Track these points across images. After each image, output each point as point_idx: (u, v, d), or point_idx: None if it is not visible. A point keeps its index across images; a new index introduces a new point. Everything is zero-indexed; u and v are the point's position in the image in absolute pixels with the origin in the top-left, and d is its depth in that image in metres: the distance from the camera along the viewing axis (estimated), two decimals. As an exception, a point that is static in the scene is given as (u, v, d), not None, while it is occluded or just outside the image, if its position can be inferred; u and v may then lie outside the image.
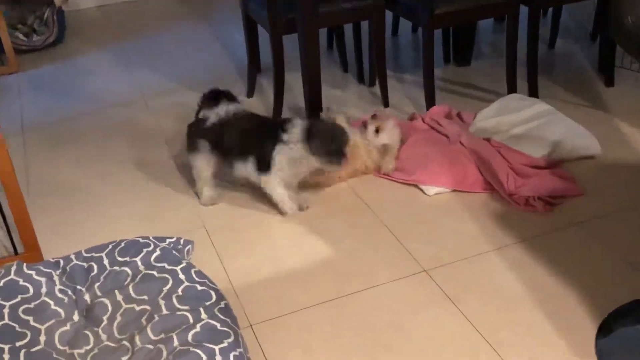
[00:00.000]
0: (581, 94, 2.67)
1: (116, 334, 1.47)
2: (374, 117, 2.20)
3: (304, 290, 1.72)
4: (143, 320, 1.49)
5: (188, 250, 1.84)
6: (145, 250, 1.70)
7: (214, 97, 2.06)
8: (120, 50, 3.47)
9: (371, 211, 2.04)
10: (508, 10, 2.49)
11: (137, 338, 1.43)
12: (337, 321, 1.61)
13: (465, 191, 2.09)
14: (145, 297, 1.54)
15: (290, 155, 1.93)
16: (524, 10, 2.52)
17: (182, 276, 1.61)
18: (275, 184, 1.99)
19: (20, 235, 1.78)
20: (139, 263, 1.66)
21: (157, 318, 1.47)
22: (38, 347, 1.42)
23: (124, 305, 1.53)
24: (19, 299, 1.53)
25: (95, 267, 1.67)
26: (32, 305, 1.51)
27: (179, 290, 1.55)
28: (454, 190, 2.10)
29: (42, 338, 1.44)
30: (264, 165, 1.97)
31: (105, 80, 3.14)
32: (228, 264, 1.85)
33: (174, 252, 1.74)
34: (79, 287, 1.62)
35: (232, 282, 1.77)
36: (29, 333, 1.44)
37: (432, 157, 2.19)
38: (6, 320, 1.46)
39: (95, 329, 1.50)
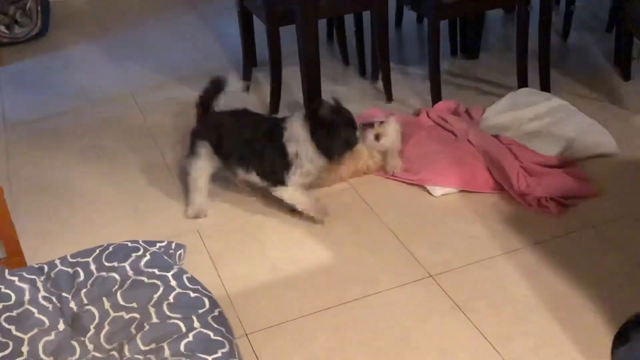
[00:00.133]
0: (596, 89, 2.67)
1: (104, 344, 1.47)
2: (370, 126, 2.17)
3: (302, 297, 1.72)
4: (132, 329, 1.49)
5: (180, 255, 1.84)
6: (134, 255, 1.70)
7: (215, 89, 2.05)
8: (108, 43, 3.47)
9: (374, 213, 2.04)
10: (519, -1, 2.50)
11: (126, 348, 1.43)
12: (338, 330, 1.61)
13: (474, 192, 2.09)
14: (135, 304, 1.54)
15: (304, 169, 1.92)
16: (535, -1, 2.53)
17: (173, 282, 1.61)
18: (296, 194, 1.97)
19: (1, 240, 1.77)
20: (128, 268, 1.66)
21: (147, 327, 1.46)
22: (21, 358, 1.42)
23: (112, 313, 1.52)
24: (0, 307, 1.53)
25: (81, 272, 1.67)
26: (14, 314, 1.51)
27: (171, 298, 1.55)
28: (462, 191, 2.10)
29: (25, 348, 1.44)
30: (277, 181, 1.95)
31: (92, 75, 3.14)
32: (222, 269, 1.84)
33: (164, 257, 1.74)
34: (64, 294, 1.62)
35: (226, 288, 1.77)
36: (11, 343, 1.44)
37: (438, 155, 2.19)
38: (-13, 330, 1.46)
39: (82, 338, 1.49)
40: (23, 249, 1.84)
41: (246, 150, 1.96)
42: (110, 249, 1.74)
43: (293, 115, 1.97)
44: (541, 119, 2.36)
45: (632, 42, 2.67)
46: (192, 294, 1.58)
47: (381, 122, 2.17)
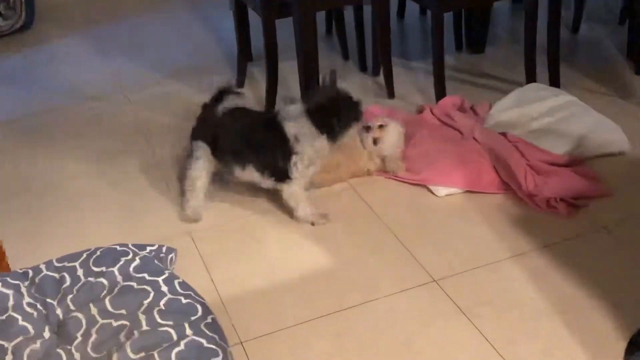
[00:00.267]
0: (608, 84, 2.67)
1: (91, 353, 1.47)
2: (367, 128, 2.16)
3: (300, 303, 1.72)
4: (121, 337, 1.48)
5: (171, 259, 1.84)
6: (123, 259, 1.70)
7: (220, 96, 2.06)
8: (96, 36, 3.47)
9: (375, 214, 2.04)
10: (526, -10, 2.50)
11: (114, 357, 1.42)
12: (337, 337, 1.61)
13: (479, 192, 2.09)
14: (124, 311, 1.54)
15: (307, 155, 1.92)
16: (544, -10, 2.52)
17: (164, 288, 1.61)
18: (301, 195, 1.97)
19: (-16, 243, 1.77)
20: (117, 273, 1.66)
21: (136, 334, 1.46)
22: (4, 368, 1.42)
23: (100, 321, 1.52)
24: (-17, 313, 1.52)
25: (67, 278, 1.67)
26: (-3, 321, 1.51)
27: (161, 304, 1.55)
28: (467, 191, 2.10)
29: (9, 357, 1.44)
30: (280, 175, 1.95)
31: (80, 70, 3.14)
32: (215, 274, 1.84)
33: (155, 261, 1.74)
34: (49, 300, 1.62)
35: (220, 294, 1.77)
36: (-6, 352, 1.44)
37: (442, 154, 2.19)
38: (-31, 338, 1.46)
39: (68, 347, 1.49)
40: (6, 253, 1.83)
41: (242, 144, 1.97)
42: (98, 253, 1.74)
43: (289, 105, 1.99)
44: (550, 115, 2.36)
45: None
46: (184, 300, 1.58)
47: (380, 126, 2.17)
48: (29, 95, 2.92)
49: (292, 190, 1.97)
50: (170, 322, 1.49)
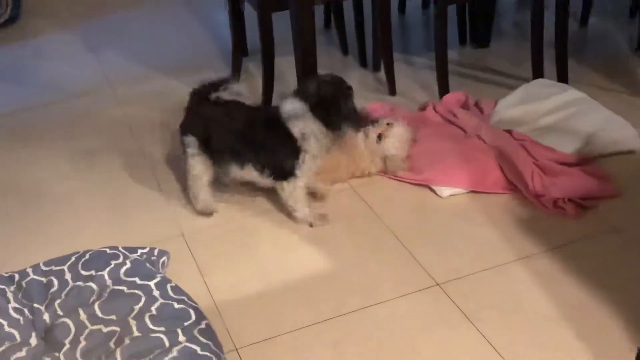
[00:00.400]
0: (618, 79, 2.67)
1: (80, 360, 1.47)
2: (374, 122, 2.18)
3: (298, 308, 1.72)
4: (111, 343, 1.49)
5: (163, 263, 1.84)
6: (113, 262, 1.70)
7: (213, 87, 2.02)
8: (85, 31, 3.46)
9: (375, 216, 2.04)
10: (533, -18, 2.50)
11: (104, 364, 1.43)
12: (336, 344, 1.61)
13: (484, 192, 2.10)
14: (114, 316, 1.54)
15: (312, 152, 1.92)
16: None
17: (156, 292, 1.61)
18: (301, 194, 1.97)
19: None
20: (107, 277, 1.66)
21: (127, 341, 1.47)
22: (-11, 376, 1.42)
23: (89, 327, 1.53)
24: (-33, 319, 1.53)
25: (55, 282, 1.67)
26: (-18, 327, 1.51)
27: (153, 309, 1.55)
28: (471, 191, 2.10)
29: (-6, 365, 1.44)
30: (284, 173, 1.95)
31: (67, 65, 3.14)
32: (210, 277, 1.84)
33: (146, 264, 1.74)
34: (36, 305, 1.62)
35: (214, 298, 1.77)
36: (-22, 359, 1.44)
37: (445, 153, 2.19)
38: (-48, 345, 1.46)
39: (56, 354, 1.49)
40: (-8, 257, 1.84)
41: (241, 143, 1.96)
42: (87, 256, 1.74)
43: (287, 99, 1.96)
44: (557, 112, 2.37)
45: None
46: (177, 305, 1.58)
47: (388, 124, 2.17)
48: (14, 91, 2.91)
49: (293, 189, 1.96)
50: (163, 328, 1.50)
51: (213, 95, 2.00)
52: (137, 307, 1.56)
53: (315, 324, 1.67)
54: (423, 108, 2.55)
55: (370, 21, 2.80)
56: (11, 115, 2.74)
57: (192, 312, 1.58)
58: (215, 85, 2.02)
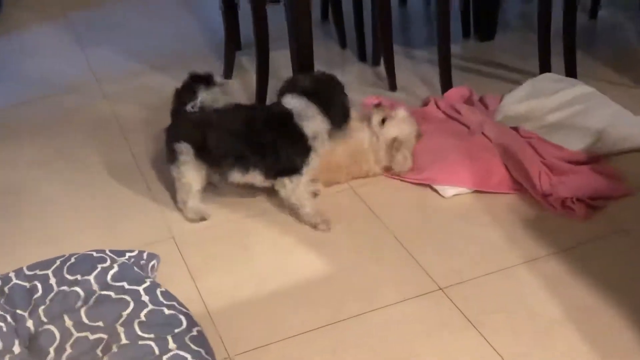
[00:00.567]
0: (629, 73, 2.67)
1: (65, 369, 1.47)
2: (378, 106, 2.20)
3: (294, 314, 1.72)
4: (98, 351, 1.49)
5: (153, 266, 1.84)
6: (100, 266, 1.70)
7: (192, 86, 2.00)
8: (71, 24, 3.46)
9: (375, 217, 2.04)
10: (540, -28, 2.51)
11: (91, 373, 1.43)
12: (334, 351, 1.62)
13: (489, 192, 2.10)
14: (101, 323, 1.54)
15: (319, 149, 1.95)
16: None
17: (145, 298, 1.61)
18: (304, 191, 1.98)
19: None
20: (93, 282, 1.66)
21: (115, 349, 1.47)
22: (-30, 386, 1.42)
23: (75, 334, 1.53)
24: (-54, 327, 1.52)
25: (39, 287, 1.67)
26: (-38, 335, 1.51)
27: (142, 315, 1.55)
28: (475, 191, 2.11)
29: (-25, 374, 1.44)
30: (290, 172, 1.95)
31: (52, 60, 3.13)
32: (202, 282, 1.85)
33: (135, 268, 1.74)
34: (19, 311, 1.62)
35: (206, 304, 1.77)
36: (-41, 368, 1.44)
37: (448, 151, 2.20)
38: None
39: (40, 362, 1.49)
40: (-27, 261, 1.84)
41: (246, 146, 1.94)
42: (73, 259, 1.74)
43: (284, 97, 1.97)
44: (565, 108, 2.37)
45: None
46: (167, 311, 1.58)
47: (378, 104, 2.18)
48: (-4, 87, 2.92)
49: (296, 186, 1.96)
50: (152, 335, 1.50)
51: (203, 101, 1.97)
52: (125, 313, 1.56)
53: (312, 330, 1.67)
54: (425, 104, 2.55)
55: (369, 13, 2.80)
56: (-7, 112, 2.74)
57: (183, 318, 1.58)
58: (197, 87, 1.99)
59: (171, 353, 1.44)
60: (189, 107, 1.97)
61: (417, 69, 2.85)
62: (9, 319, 1.59)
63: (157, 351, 1.45)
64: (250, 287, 1.82)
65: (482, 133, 2.27)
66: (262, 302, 1.77)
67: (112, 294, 1.62)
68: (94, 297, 1.62)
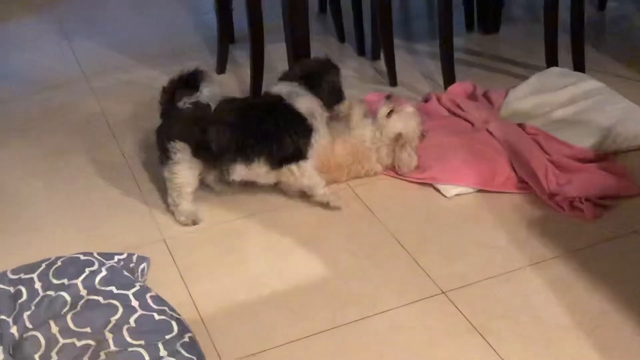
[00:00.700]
0: (639, 67, 2.68)
1: (51, 377, 1.47)
2: (388, 97, 2.21)
3: (290, 319, 1.72)
4: (85, 358, 1.49)
5: (143, 270, 1.84)
6: (88, 270, 1.70)
7: (189, 81, 1.99)
8: (56, 16, 3.46)
9: (375, 218, 2.04)
10: (546, -38, 2.51)
11: (78, 382, 1.43)
12: (334, 358, 1.62)
13: (494, 191, 2.10)
14: (88, 329, 1.54)
15: (320, 130, 2.00)
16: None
17: (135, 303, 1.61)
18: (314, 172, 2.03)
19: None
20: (80, 286, 1.66)
21: (103, 356, 1.46)
22: (-49, 395, 1.41)
23: (61, 340, 1.52)
24: None
25: (24, 291, 1.67)
26: (-57, 342, 1.51)
27: (131, 321, 1.55)
28: (480, 191, 2.11)
29: (-43, 383, 1.44)
30: (296, 157, 1.99)
31: (39, 54, 3.13)
32: (194, 286, 1.84)
33: (124, 272, 1.74)
34: (3, 317, 1.62)
35: (199, 309, 1.77)
36: (-61, 377, 1.44)
37: (451, 149, 2.20)
38: None
39: (25, 370, 1.49)
40: (-46, 264, 1.83)
41: (247, 136, 1.95)
42: (59, 263, 1.74)
43: (276, 85, 2.05)
44: (573, 104, 2.37)
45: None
46: (158, 317, 1.58)
47: (388, 96, 2.21)
48: (-21, 83, 2.91)
49: (305, 170, 2.00)
50: (142, 342, 1.50)
51: (198, 98, 1.96)
52: (113, 319, 1.56)
53: (310, 336, 1.67)
54: (426, 100, 2.55)
55: (368, 5, 2.80)
56: (-25, 109, 2.74)
57: (174, 324, 1.58)
58: (189, 85, 1.99)
59: (162, 360, 1.44)
60: (180, 104, 1.96)
61: (418, 63, 2.85)
62: (-8, 325, 1.58)
63: (147, 358, 1.45)
64: (245, 291, 1.81)
65: (487, 130, 2.27)
66: (257, 306, 1.76)
67: (100, 298, 1.62)
68: (81, 302, 1.62)
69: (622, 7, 3.16)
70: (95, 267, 1.71)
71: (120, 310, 1.58)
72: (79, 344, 1.51)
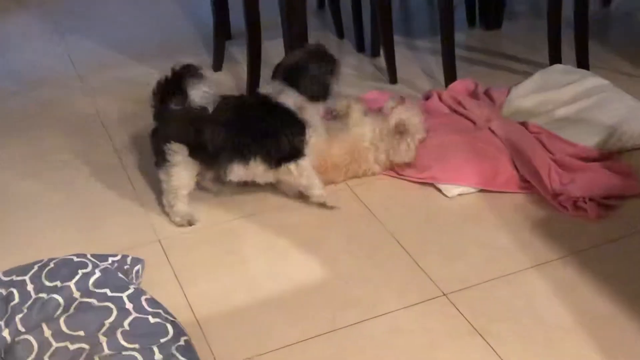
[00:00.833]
0: (644, 65, 2.69)
1: (44, 382, 1.47)
2: (401, 99, 2.25)
3: (288, 322, 1.72)
4: (79, 362, 1.49)
5: (137, 272, 1.84)
6: (81, 271, 1.70)
7: (177, 80, 1.97)
8: (48, 11, 3.45)
9: (375, 218, 2.05)
10: (549, -43, 2.51)
11: (71, 386, 1.43)
12: (331, 361, 1.62)
13: (496, 191, 2.10)
14: (82, 332, 1.54)
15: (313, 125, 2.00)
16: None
17: (129, 305, 1.61)
18: (312, 170, 2.03)
19: None
20: (74, 289, 1.66)
21: (97, 360, 1.47)
22: (-58, 400, 1.41)
23: (54, 344, 1.52)
24: None
25: (16, 294, 1.67)
26: None
27: (126, 324, 1.55)
28: (481, 191, 2.11)
29: (-52, 388, 1.44)
30: (294, 155, 1.99)
31: (30, 51, 3.13)
32: (190, 288, 1.84)
33: (118, 274, 1.74)
34: (-5, 320, 1.62)
35: (195, 312, 1.77)
36: None
37: (453, 147, 2.20)
38: None
39: (17, 375, 1.49)
40: (-56, 266, 1.83)
41: (243, 135, 1.96)
42: (52, 264, 1.74)
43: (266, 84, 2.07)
44: (577, 102, 2.38)
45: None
46: (153, 319, 1.58)
47: (402, 99, 2.24)
48: (-32, 80, 2.91)
49: (302, 168, 2.00)
50: (137, 346, 1.50)
51: (192, 97, 1.95)
52: (107, 322, 1.56)
53: (308, 339, 1.67)
54: (427, 97, 2.55)
55: (368, 1, 2.80)
56: (-35, 107, 2.74)
57: (169, 327, 1.58)
58: (181, 84, 1.97)
59: (157, 364, 1.45)
60: (173, 105, 1.96)
61: (419, 60, 2.85)
62: (-17, 328, 1.59)
63: (142, 362, 1.45)
64: (242, 293, 1.82)
65: (489, 128, 2.27)
66: (254, 309, 1.76)
67: (94, 301, 1.62)
68: (74, 304, 1.62)
69: (627, 3, 3.17)
70: (89, 269, 1.71)
71: (115, 313, 1.58)
72: (72, 347, 1.51)
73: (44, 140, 2.50)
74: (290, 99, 1.99)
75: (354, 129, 2.14)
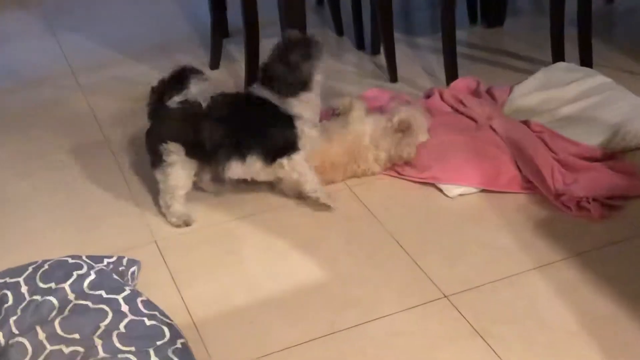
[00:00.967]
0: (649, 63, 2.69)
1: (38, 385, 1.47)
2: (406, 101, 2.28)
3: (287, 324, 1.72)
4: (74, 366, 1.49)
5: (133, 273, 1.84)
6: (76, 273, 1.70)
7: (178, 80, 1.99)
8: (43, 9, 3.45)
9: (375, 219, 2.05)
10: (552, -47, 2.51)
11: (66, 390, 1.43)
12: (330, 364, 1.62)
13: (498, 191, 2.10)
14: (77, 335, 1.54)
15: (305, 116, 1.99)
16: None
17: (125, 307, 1.61)
18: (306, 164, 2.03)
19: None
20: (68, 291, 1.66)
21: (92, 363, 1.47)
22: None
23: (49, 347, 1.52)
24: None
25: (9, 296, 1.67)
26: None
27: (121, 326, 1.55)
28: (483, 191, 2.11)
29: (-60, 391, 1.44)
30: (288, 149, 1.99)
31: (25, 49, 3.13)
32: (187, 290, 1.85)
33: (114, 275, 1.74)
34: (-12, 323, 1.62)
35: (192, 314, 1.77)
36: None
37: (454, 147, 2.20)
38: None
39: (11, 378, 1.49)
40: (-63, 268, 1.83)
41: (239, 131, 1.96)
42: (46, 266, 1.74)
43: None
44: (580, 100, 2.38)
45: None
46: (149, 322, 1.58)
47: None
48: (-39, 79, 2.91)
49: (295, 163, 2.00)
50: (132, 348, 1.50)
51: (189, 96, 1.97)
52: (103, 325, 1.56)
53: (307, 342, 1.67)
54: (428, 96, 2.55)
55: (368, -3, 2.81)
56: (-41, 106, 2.74)
57: (166, 329, 1.58)
58: (178, 82, 1.98)
59: (153, 367, 1.45)
60: (169, 103, 1.96)
61: (419, 58, 2.85)
62: (-24, 331, 1.59)
63: (138, 365, 1.46)
64: (240, 295, 1.82)
65: (490, 127, 2.28)
66: (252, 311, 1.77)
67: (89, 303, 1.62)
68: (69, 306, 1.62)
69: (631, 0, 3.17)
70: (84, 270, 1.71)
71: (110, 315, 1.58)
72: (67, 350, 1.51)
73: (40, 139, 2.50)
74: (264, 91, 2.00)
75: (355, 127, 2.14)
